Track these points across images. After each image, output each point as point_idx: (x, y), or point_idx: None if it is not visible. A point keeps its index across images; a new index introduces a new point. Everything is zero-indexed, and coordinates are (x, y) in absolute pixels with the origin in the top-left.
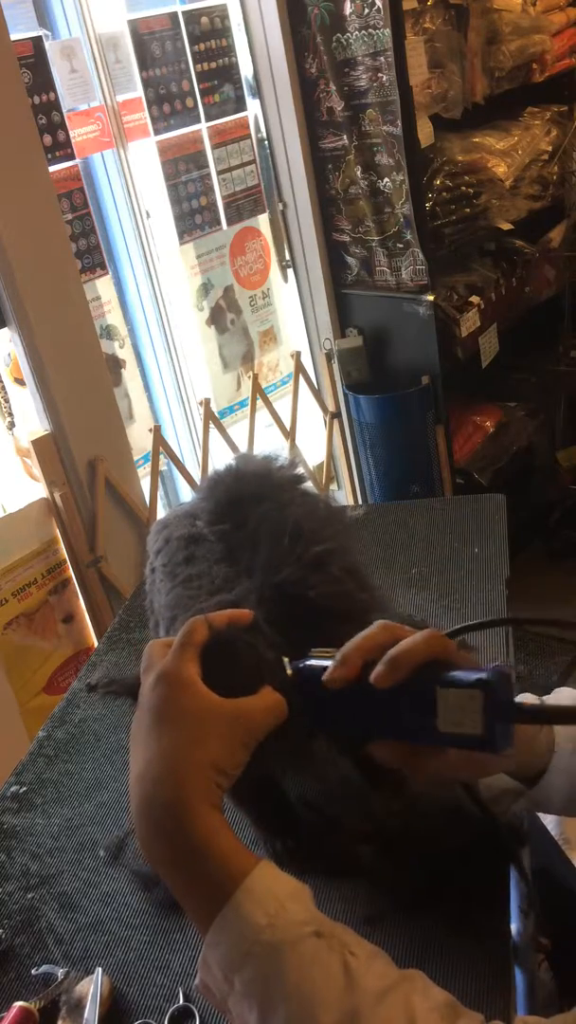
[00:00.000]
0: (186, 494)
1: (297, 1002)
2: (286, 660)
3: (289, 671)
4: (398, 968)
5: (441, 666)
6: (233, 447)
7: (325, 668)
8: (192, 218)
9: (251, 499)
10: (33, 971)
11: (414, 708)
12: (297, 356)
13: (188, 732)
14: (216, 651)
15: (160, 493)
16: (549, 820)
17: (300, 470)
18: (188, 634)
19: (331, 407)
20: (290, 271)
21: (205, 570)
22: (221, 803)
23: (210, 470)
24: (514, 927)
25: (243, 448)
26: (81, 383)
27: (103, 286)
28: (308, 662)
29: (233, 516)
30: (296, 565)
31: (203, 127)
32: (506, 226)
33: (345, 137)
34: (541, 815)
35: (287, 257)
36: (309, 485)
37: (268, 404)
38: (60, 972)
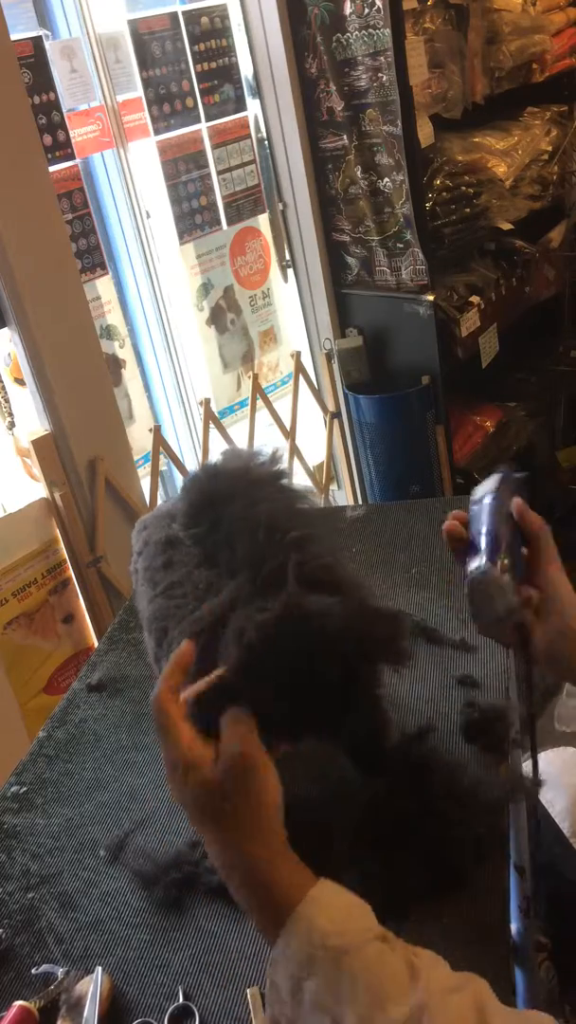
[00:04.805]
0: None
1: (366, 1000)
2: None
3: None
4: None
5: None
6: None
7: None
8: (192, 218)
9: (224, 499)
10: (33, 970)
11: None
12: (297, 356)
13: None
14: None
15: (160, 493)
16: (558, 813)
17: (281, 465)
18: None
19: (331, 407)
20: (290, 271)
21: (185, 576)
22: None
23: None
24: (514, 927)
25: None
26: (81, 383)
27: (103, 286)
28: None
29: (207, 517)
30: (276, 552)
31: (203, 127)
32: (506, 226)
33: (345, 137)
34: (550, 809)
35: (287, 257)
36: (293, 481)
37: (268, 404)
38: (60, 971)
